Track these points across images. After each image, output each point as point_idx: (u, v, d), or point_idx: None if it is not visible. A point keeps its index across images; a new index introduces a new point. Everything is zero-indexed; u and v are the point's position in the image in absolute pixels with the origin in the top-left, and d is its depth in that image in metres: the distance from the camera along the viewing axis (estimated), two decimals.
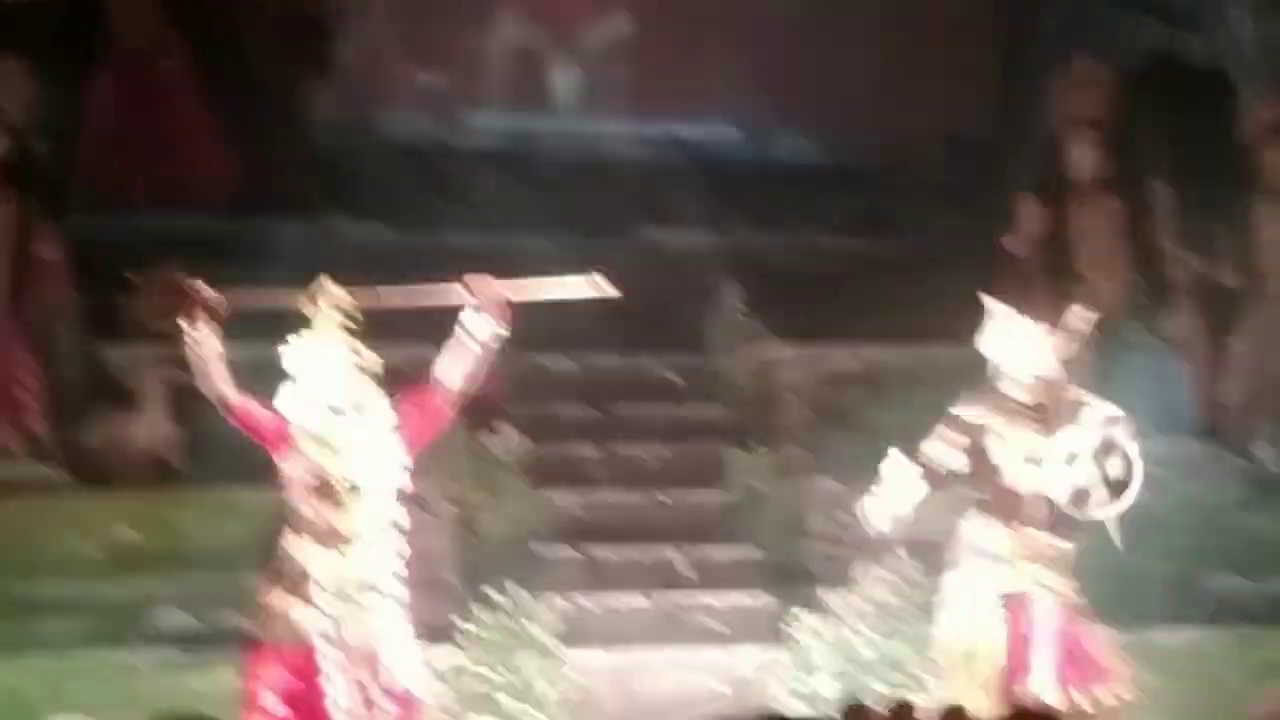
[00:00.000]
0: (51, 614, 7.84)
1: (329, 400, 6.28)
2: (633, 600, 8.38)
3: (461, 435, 8.50)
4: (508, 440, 8.60)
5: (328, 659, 6.13)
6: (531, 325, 9.31)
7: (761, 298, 9.49)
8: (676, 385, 9.54)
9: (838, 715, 5.56)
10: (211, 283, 6.28)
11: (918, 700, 5.97)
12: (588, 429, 9.15)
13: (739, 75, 10.55)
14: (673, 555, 8.60)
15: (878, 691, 7.50)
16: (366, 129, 10.40)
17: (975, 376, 9.13)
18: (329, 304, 6.33)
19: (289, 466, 6.24)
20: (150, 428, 8.78)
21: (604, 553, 8.56)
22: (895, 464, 6.91)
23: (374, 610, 6.22)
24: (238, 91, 9.97)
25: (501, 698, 7.69)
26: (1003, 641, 6.83)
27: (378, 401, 6.34)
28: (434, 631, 7.73)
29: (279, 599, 6.19)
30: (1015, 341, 6.95)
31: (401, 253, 9.43)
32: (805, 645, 7.97)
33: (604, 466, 9.02)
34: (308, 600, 6.16)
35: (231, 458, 6.77)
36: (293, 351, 6.36)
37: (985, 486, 6.92)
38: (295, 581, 6.17)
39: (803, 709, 7.55)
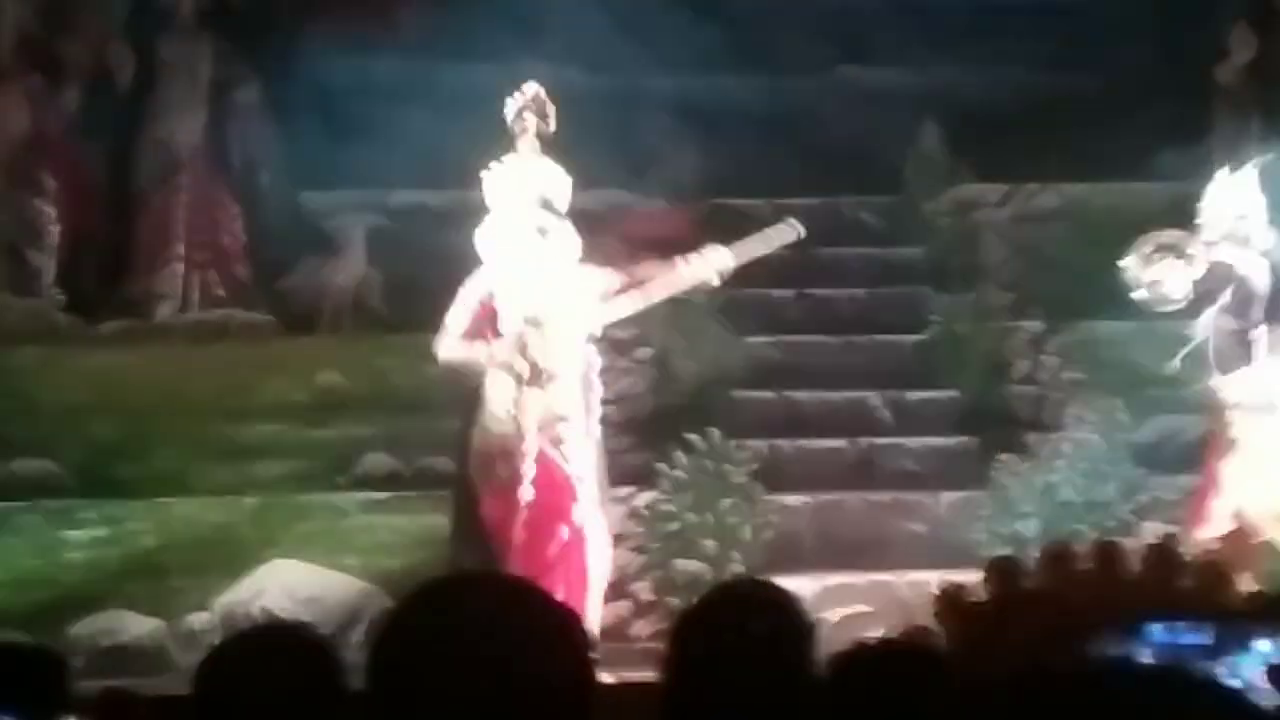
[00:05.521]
0: (261, 457, 8.00)
1: (529, 224, 6.32)
2: (830, 443, 8.33)
3: None
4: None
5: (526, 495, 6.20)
6: (725, 170, 9.29)
7: (961, 136, 9.28)
8: (874, 227, 9.41)
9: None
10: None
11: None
12: (784, 272, 9.05)
13: None
14: (871, 399, 8.52)
15: (1082, 534, 7.40)
16: None
17: (1180, 213, 8.93)
18: (533, 113, 6.39)
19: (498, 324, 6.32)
20: (350, 272, 8.87)
21: (801, 396, 8.50)
22: None
23: (569, 443, 6.30)
24: None
25: (700, 539, 7.71)
26: None
27: (566, 229, 6.41)
28: (634, 474, 7.78)
29: (483, 438, 6.26)
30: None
31: (596, 97, 9.35)
32: (1007, 488, 7.87)
33: (801, 310, 8.93)
34: (509, 435, 6.23)
35: (430, 302, 6.80)
36: (494, 177, 6.41)
37: None
38: (499, 420, 6.24)
39: (1004, 550, 7.47)
